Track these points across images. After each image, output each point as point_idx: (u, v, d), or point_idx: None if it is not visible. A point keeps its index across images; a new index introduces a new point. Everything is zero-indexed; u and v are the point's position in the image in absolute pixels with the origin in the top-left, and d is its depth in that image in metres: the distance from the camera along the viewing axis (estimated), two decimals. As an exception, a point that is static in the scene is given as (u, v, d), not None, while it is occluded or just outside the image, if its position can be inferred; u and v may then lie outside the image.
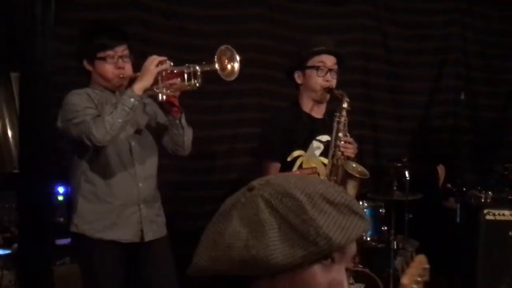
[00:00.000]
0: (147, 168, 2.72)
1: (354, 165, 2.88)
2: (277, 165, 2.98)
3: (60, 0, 3.83)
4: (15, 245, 3.01)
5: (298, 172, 2.93)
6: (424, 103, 5.21)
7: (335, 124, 2.89)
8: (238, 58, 2.47)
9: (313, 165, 2.97)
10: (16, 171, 3.49)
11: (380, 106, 5.01)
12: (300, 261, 0.88)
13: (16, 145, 3.64)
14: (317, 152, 2.99)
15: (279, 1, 4.62)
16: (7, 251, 2.96)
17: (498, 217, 3.73)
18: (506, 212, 3.74)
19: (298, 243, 0.87)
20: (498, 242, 3.73)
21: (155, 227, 2.73)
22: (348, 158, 2.89)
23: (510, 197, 4.00)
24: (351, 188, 2.86)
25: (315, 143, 2.98)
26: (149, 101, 2.69)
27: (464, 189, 4.13)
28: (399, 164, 3.96)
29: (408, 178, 3.90)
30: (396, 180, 4.01)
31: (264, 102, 4.47)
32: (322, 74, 2.93)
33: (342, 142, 2.87)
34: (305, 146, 2.97)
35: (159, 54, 2.58)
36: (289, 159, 2.96)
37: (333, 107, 3.03)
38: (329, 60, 2.97)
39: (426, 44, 5.18)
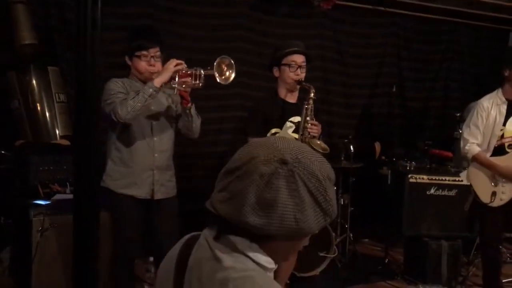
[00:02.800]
0: (164, 143, 2.77)
1: (318, 142, 2.90)
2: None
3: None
4: (55, 197, 3.04)
5: None
6: (367, 95, 5.32)
7: (303, 110, 2.91)
8: (234, 67, 2.51)
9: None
10: (54, 141, 3.52)
11: (334, 97, 5.10)
12: (321, 227, 0.94)
13: (52, 123, 3.65)
14: (290, 130, 3.01)
15: (258, 15, 4.64)
16: (48, 202, 2.99)
17: (419, 180, 3.85)
18: (425, 177, 3.86)
19: (321, 215, 0.93)
20: (418, 199, 3.85)
21: (164, 189, 2.79)
22: (313, 136, 2.91)
23: (428, 166, 4.13)
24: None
25: (288, 123, 3.00)
26: (172, 92, 2.74)
27: (394, 159, 4.24)
28: (346, 140, 4.06)
29: (352, 151, 4.01)
30: (343, 152, 4.12)
31: (245, 92, 4.54)
32: (293, 70, 2.96)
33: (309, 124, 2.89)
34: (280, 125, 2.99)
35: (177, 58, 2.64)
36: (268, 134, 2.97)
37: (304, 95, 3.07)
38: (299, 58, 2.97)
39: (368, 50, 5.27)
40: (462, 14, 5.32)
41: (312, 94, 2.92)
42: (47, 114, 3.64)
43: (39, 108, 3.63)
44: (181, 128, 2.81)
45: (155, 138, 2.73)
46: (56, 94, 3.68)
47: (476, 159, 3.23)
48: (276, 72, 3.04)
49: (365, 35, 5.22)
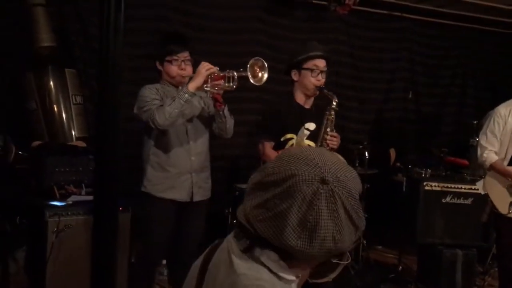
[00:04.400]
0: (199, 145, 2.78)
1: (336, 155, 2.86)
2: (271, 144, 2.92)
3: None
4: (70, 198, 3.03)
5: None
6: (380, 100, 5.27)
7: (324, 121, 2.81)
8: (267, 68, 2.48)
9: (302, 145, 2.87)
10: (70, 142, 3.52)
11: (347, 101, 5.04)
12: (353, 244, 0.94)
13: (69, 124, 3.66)
14: (305, 137, 2.91)
15: (273, 18, 4.62)
16: (63, 203, 2.98)
17: (434, 188, 3.79)
18: (440, 185, 3.79)
19: (353, 231, 0.92)
20: (433, 207, 3.78)
21: (202, 191, 2.81)
22: (332, 149, 2.81)
23: (443, 174, 4.06)
24: None
25: (303, 129, 2.91)
26: (204, 95, 2.73)
27: (409, 166, 4.18)
28: (361, 146, 4.01)
29: (367, 157, 3.96)
30: (358, 158, 4.07)
31: (259, 96, 4.51)
32: (315, 75, 2.84)
33: (329, 136, 2.80)
34: (295, 130, 2.89)
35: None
36: (282, 139, 2.89)
37: (318, 101, 3.00)
38: (321, 63, 2.86)
39: (382, 55, 5.23)
40: (477, 20, 5.25)
41: (334, 104, 2.82)
42: (64, 115, 3.66)
43: (56, 109, 3.64)
44: (214, 129, 2.82)
45: (191, 142, 2.75)
46: (73, 96, 3.69)
47: (493, 167, 3.16)
48: (295, 76, 2.91)
49: (379, 40, 5.18)
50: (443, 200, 3.78)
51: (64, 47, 3.76)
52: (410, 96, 4.52)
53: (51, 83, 3.62)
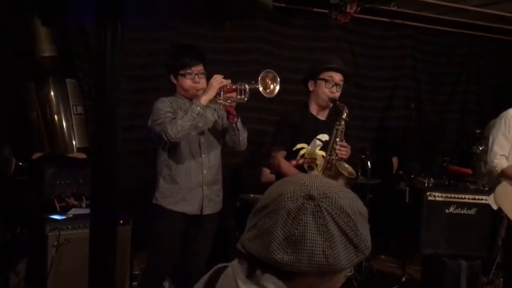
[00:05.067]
0: (212, 159, 2.76)
1: (346, 165, 2.82)
2: (283, 153, 2.94)
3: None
4: (70, 211, 3.00)
5: (302, 160, 2.90)
6: (383, 107, 5.24)
7: (334, 131, 2.83)
8: (278, 80, 2.47)
9: (314, 156, 2.91)
10: (70, 155, 3.49)
11: (349, 109, 4.99)
12: (354, 264, 0.91)
13: (69, 134, 3.63)
14: (317, 147, 2.92)
15: (274, 27, 4.59)
16: (63, 216, 2.95)
17: (437, 198, 3.73)
18: (443, 195, 3.74)
19: (353, 251, 0.90)
20: (437, 217, 3.73)
21: (212, 204, 2.78)
22: (341, 158, 2.83)
23: (446, 183, 4.01)
24: (341, 183, 2.80)
25: (316, 139, 2.92)
26: (218, 107, 2.71)
27: (412, 176, 4.13)
28: (363, 156, 3.98)
29: (369, 167, 3.92)
30: (360, 167, 4.03)
31: (262, 105, 4.48)
32: (329, 86, 2.87)
33: (338, 146, 2.81)
34: (308, 140, 2.91)
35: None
36: (294, 149, 2.91)
37: (334, 114, 3.01)
38: (337, 76, 2.89)
39: (384, 62, 5.20)
40: (480, 27, 5.21)
41: (345, 115, 2.83)
42: (65, 125, 3.63)
43: (56, 119, 3.61)
44: (227, 142, 2.79)
45: (203, 155, 2.73)
46: (74, 106, 3.67)
47: (504, 173, 3.12)
48: (311, 86, 2.96)
49: (381, 47, 5.15)
50: (447, 211, 3.73)
51: (65, 57, 3.73)
52: (412, 105, 4.48)
53: (52, 93, 3.59)
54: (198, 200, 2.72)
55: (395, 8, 4.52)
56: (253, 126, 4.46)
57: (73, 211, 3.01)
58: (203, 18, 3.88)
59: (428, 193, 3.72)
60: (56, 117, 3.61)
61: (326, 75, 2.89)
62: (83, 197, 3.15)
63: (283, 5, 4.48)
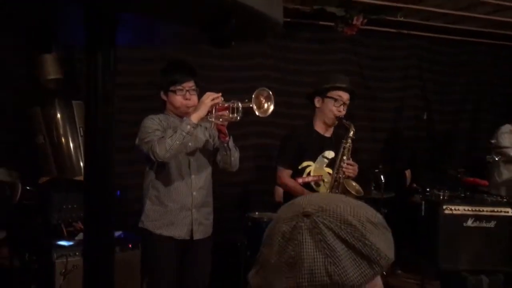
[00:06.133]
0: (202, 180, 2.63)
1: (353, 184, 2.80)
2: (289, 172, 2.92)
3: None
4: (78, 236, 2.92)
5: (309, 178, 2.86)
6: (392, 119, 5.14)
7: (341, 149, 2.82)
8: (273, 98, 2.33)
9: (321, 174, 2.90)
10: (77, 178, 3.41)
11: (358, 121, 4.91)
12: (369, 279, 0.81)
13: (77, 156, 3.56)
14: (324, 164, 2.91)
15: (279, 41, 4.53)
16: (71, 242, 2.86)
17: (454, 212, 3.62)
18: (460, 208, 3.62)
19: (365, 265, 0.80)
20: (454, 231, 3.61)
21: (202, 228, 2.65)
22: (348, 177, 2.82)
23: (462, 195, 3.89)
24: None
25: (322, 157, 2.92)
26: (209, 125, 2.62)
27: (427, 189, 4.01)
28: (376, 170, 3.87)
29: (383, 181, 3.81)
30: (374, 182, 3.92)
31: (266, 119, 4.34)
32: (337, 105, 2.89)
33: (345, 164, 2.80)
34: (314, 157, 2.90)
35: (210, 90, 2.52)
36: (300, 167, 2.89)
37: (338, 130, 3.02)
38: (346, 96, 2.93)
39: (392, 73, 5.12)
40: (489, 35, 5.11)
41: (351, 133, 2.83)
42: (72, 148, 3.56)
43: (63, 142, 3.55)
44: (218, 162, 2.66)
45: (193, 176, 2.60)
46: (81, 128, 3.60)
47: None
48: (317, 102, 2.95)
49: (388, 58, 5.08)
50: (465, 224, 3.60)
51: (71, 79, 3.68)
52: (425, 117, 4.38)
53: (58, 115, 3.54)
54: (187, 224, 2.58)
55: (402, 19, 4.45)
56: (258, 141, 4.39)
57: (81, 236, 2.92)
58: (205, 43, 3.80)
59: (444, 206, 3.62)
60: (63, 139, 3.55)
61: (334, 94, 2.90)
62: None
63: (288, 19, 4.41)
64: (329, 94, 2.89)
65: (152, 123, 2.53)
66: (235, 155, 2.62)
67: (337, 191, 2.80)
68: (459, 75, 5.42)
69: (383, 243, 0.81)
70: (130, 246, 2.84)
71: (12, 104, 3.61)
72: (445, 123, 5.37)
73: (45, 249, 2.85)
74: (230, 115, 2.39)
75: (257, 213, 3.73)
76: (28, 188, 3.32)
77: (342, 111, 2.91)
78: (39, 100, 3.54)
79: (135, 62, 3.78)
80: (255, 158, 4.41)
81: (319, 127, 2.97)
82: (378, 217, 0.84)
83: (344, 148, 2.81)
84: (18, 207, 3.20)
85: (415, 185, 4.38)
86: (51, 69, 3.50)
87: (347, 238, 0.79)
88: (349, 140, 2.82)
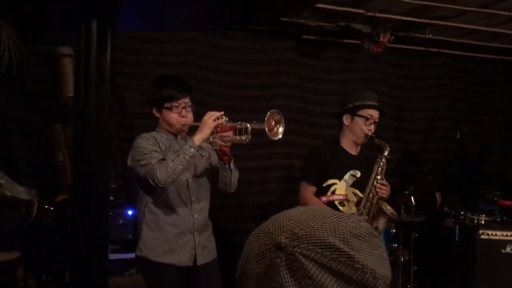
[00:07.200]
0: (202, 202, 2.49)
1: (388, 207, 2.70)
2: (313, 189, 2.81)
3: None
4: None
5: (334, 197, 2.73)
6: (421, 140, 4.94)
7: (375, 168, 2.73)
8: (284, 122, 2.24)
9: (346, 193, 2.79)
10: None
11: (387, 142, 4.72)
12: None
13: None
14: (349, 183, 2.80)
15: (303, 60, 4.43)
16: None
17: (492, 237, 3.40)
18: (498, 233, 3.39)
19: None
20: (492, 258, 3.37)
21: (206, 252, 2.48)
22: (381, 198, 2.71)
23: (499, 219, 3.65)
24: (382, 223, 2.71)
25: (348, 175, 2.81)
26: (206, 145, 2.48)
27: (462, 212, 3.78)
28: (406, 192, 3.67)
29: (414, 203, 3.60)
30: (403, 205, 3.72)
31: (291, 139, 4.26)
32: (368, 123, 2.81)
33: (379, 184, 2.70)
34: (340, 176, 2.80)
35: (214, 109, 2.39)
36: (325, 185, 2.78)
37: (365, 149, 2.94)
38: (376, 114, 2.85)
39: (421, 92, 4.94)
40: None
41: (386, 153, 2.74)
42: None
43: (83, 160, 3.48)
44: (216, 183, 2.51)
45: (192, 198, 2.44)
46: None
47: None
48: (346, 120, 2.85)
49: (417, 77, 4.90)
50: (503, 250, 3.37)
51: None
52: (458, 136, 4.19)
53: (79, 133, 3.48)
54: (190, 249, 2.40)
55: (430, 36, 4.30)
56: (282, 161, 4.27)
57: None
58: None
59: (480, 231, 3.42)
60: (82, 157, 3.48)
61: (365, 112, 2.81)
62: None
63: (313, 37, 4.32)
64: (360, 112, 2.80)
65: (147, 143, 2.37)
66: (235, 176, 2.48)
67: (366, 210, 2.69)
68: (491, 95, 5.20)
69: (376, 259, 0.68)
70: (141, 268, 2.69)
71: (32, 121, 3.58)
72: (476, 144, 5.13)
73: (60, 270, 2.74)
74: (238, 137, 2.26)
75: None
76: (46, 206, 3.25)
77: (372, 129, 2.83)
78: (59, 117, 3.51)
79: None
80: (279, 179, 4.28)
81: (346, 145, 2.88)
82: (361, 229, 0.70)
83: (378, 167, 2.72)
84: (34, 225, 3.12)
85: (446, 208, 4.15)
86: (71, 86, 3.47)
87: (332, 265, 0.66)
88: (384, 160, 2.73)
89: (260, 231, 0.73)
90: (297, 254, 0.67)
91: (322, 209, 0.73)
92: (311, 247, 0.67)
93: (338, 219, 0.70)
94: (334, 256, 0.66)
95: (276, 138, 2.24)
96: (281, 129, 2.24)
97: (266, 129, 2.17)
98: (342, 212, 0.74)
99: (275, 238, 0.68)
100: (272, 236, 0.69)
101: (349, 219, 0.71)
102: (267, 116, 2.19)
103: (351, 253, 0.67)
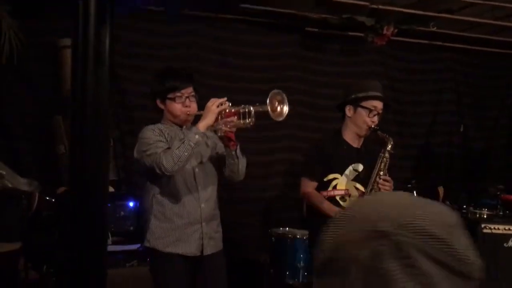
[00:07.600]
0: (209, 191, 2.48)
1: None
2: (314, 184, 2.75)
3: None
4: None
5: (335, 191, 2.71)
6: (423, 134, 4.92)
7: (378, 162, 2.66)
8: (287, 101, 2.23)
9: (347, 187, 2.72)
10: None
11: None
12: None
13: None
14: (351, 177, 2.72)
15: (307, 53, 4.41)
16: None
17: (494, 231, 3.38)
18: (501, 227, 3.38)
19: (459, 281, 0.67)
20: (494, 252, 3.36)
21: (213, 243, 2.48)
22: None
23: (501, 214, 3.63)
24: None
25: (350, 169, 2.73)
26: (211, 134, 2.46)
27: (464, 206, 3.76)
28: (409, 185, 3.67)
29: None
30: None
31: (295, 133, 4.26)
32: (372, 115, 2.71)
33: (381, 180, 2.63)
34: (341, 170, 2.72)
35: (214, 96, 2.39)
36: (326, 179, 2.72)
37: (367, 142, 2.85)
38: (380, 105, 2.74)
39: (424, 86, 4.91)
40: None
41: (389, 147, 2.66)
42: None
43: (84, 152, 3.48)
44: (224, 172, 2.51)
45: (199, 187, 2.44)
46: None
47: None
48: (349, 112, 2.76)
49: (420, 71, 4.87)
50: (505, 245, 3.36)
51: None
52: (462, 129, 4.15)
53: (80, 125, 3.47)
54: (197, 239, 2.41)
55: (434, 29, 4.26)
56: (285, 156, 4.26)
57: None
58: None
59: (483, 225, 3.40)
60: (84, 150, 3.48)
61: (369, 103, 2.71)
62: (109, 233, 2.94)
63: (316, 30, 4.29)
64: (363, 103, 2.70)
65: (153, 133, 2.38)
66: (243, 162, 2.47)
67: None
68: (497, 89, 5.16)
69: (471, 249, 0.69)
70: (148, 259, 2.69)
71: (33, 113, 3.58)
72: (480, 139, 5.11)
73: (61, 262, 2.74)
74: (241, 121, 2.26)
75: (281, 228, 3.57)
76: (47, 198, 3.25)
77: (376, 121, 2.74)
78: (60, 109, 3.50)
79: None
80: (282, 173, 4.27)
81: (348, 138, 2.79)
82: (453, 218, 0.70)
83: (381, 162, 2.64)
84: (35, 217, 3.13)
85: (448, 202, 4.13)
86: (73, 78, 3.47)
87: (440, 257, 0.66)
88: (387, 154, 2.64)
89: (353, 218, 0.72)
90: (403, 242, 0.66)
91: (415, 197, 0.74)
92: (415, 236, 0.66)
93: (433, 208, 0.71)
94: (438, 246, 0.66)
95: (281, 119, 2.21)
96: (285, 108, 2.22)
97: (270, 110, 2.15)
98: (428, 201, 0.72)
99: (377, 225, 0.68)
100: (371, 223, 0.68)
101: (439, 207, 0.72)
102: (269, 97, 2.18)
103: (450, 243, 0.67)
